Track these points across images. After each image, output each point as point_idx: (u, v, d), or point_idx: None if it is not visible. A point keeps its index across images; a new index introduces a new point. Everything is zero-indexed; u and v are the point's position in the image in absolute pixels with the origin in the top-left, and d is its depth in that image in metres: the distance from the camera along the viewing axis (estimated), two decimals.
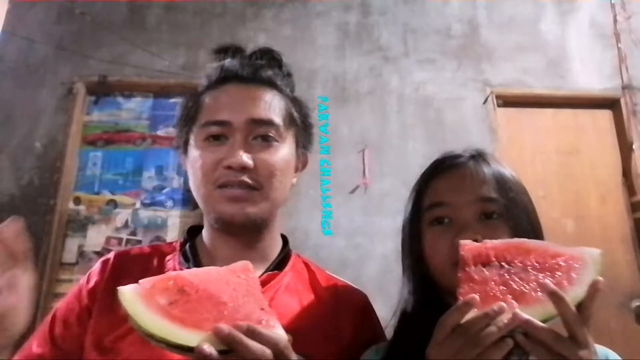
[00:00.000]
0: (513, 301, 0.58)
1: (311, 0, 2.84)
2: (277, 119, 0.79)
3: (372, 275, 2.31)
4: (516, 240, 0.66)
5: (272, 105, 0.80)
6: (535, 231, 0.77)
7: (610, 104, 2.79)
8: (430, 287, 0.78)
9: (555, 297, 0.56)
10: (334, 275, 0.90)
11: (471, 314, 0.57)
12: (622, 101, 2.74)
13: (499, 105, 2.69)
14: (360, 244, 2.40)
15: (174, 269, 0.78)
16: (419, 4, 2.87)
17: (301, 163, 0.88)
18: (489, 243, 0.66)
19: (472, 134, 2.63)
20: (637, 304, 2.42)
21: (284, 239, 0.91)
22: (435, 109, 2.68)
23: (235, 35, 2.75)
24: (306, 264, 0.89)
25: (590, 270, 0.60)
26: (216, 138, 0.77)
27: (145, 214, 2.45)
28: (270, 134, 0.78)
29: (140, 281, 0.56)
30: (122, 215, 2.45)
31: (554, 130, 2.73)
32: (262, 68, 0.85)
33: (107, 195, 2.47)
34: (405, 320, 0.80)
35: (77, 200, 2.46)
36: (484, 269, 0.63)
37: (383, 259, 2.32)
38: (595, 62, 2.83)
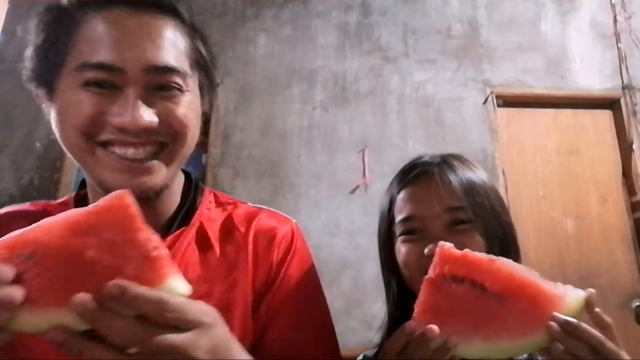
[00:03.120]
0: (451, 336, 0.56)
1: (311, 0, 2.84)
2: (183, 63, 0.61)
3: (373, 276, 2.31)
4: (503, 260, 0.61)
5: (175, 43, 0.61)
6: (506, 234, 0.78)
7: (610, 104, 2.79)
8: (410, 297, 0.79)
9: None
10: (259, 206, 0.76)
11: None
12: (622, 101, 2.74)
13: (499, 105, 2.69)
14: (361, 244, 2.40)
15: None
16: (419, 4, 2.87)
17: (204, 111, 0.69)
18: (471, 255, 0.61)
19: (472, 134, 2.63)
20: (637, 304, 2.42)
21: (188, 175, 0.74)
22: (436, 109, 2.68)
23: (236, 35, 2.75)
24: (222, 205, 0.74)
25: (565, 314, 0.55)
26: (99, 84, 0.57)
27: None
28: (174, 84, 0.60)
29: None
30: None
31: (554, 130, 2.73)
32: None
33: None
34: (392, 331, 0.81)
35: None
36: (454, 284, 0.60)
37: None
38: (595, 62, 2.83)
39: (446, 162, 0.82)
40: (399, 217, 0.79)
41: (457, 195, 0.76)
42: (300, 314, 0.69)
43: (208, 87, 0.69)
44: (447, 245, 0.63)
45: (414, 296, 0.78)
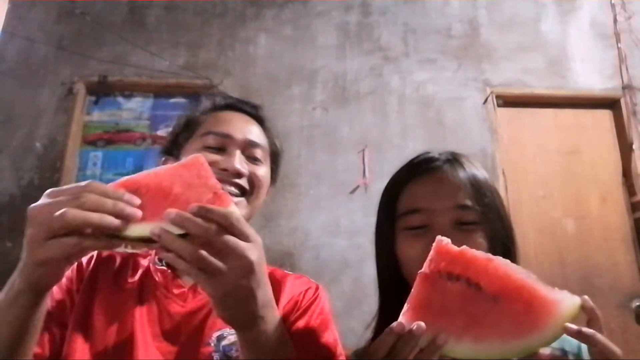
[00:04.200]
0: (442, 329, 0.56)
1: (311, 0, 2.84)
2: (265, 146, 0.94)
3: (373, 276, 2.30)
4: (501, 260, 0.60)
5: (262, 136, 0.95)
6: (509, 236, 0.78)
7: (610, 104, 2.79)
8: (406, 290, 0.78)
9: None
10: (291, 272, 0.95)
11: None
12: (622, 101, 2.74)
13: (499, 105, 2.70)
14: (361, 244, 2.40)
15: (148, 269, 0.86)
16: (419, 4, 2.87)
17: (268, 192, 0.98)
18: (469, 253, 0.61)
19: (472, 133, 2.63)
20: (637, 304, 2.42)
21: None
22: (436, 108, 2.68)
23: (236, 35, 2.75)
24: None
25: (560, 321, 0.55)
26: (213, 148, 0.87)
27: None
28: (258, 155, 0.91)
29: None
30: None
31: (555, 130, 2.73)
32: (257, 108, 1.00)
33: None
34: (382, 325, 0.80)
35: None
36: (449, 281, 0.59)
37: None
38: (595, 62, 2.83)
39: (456, 159, 0.81)
40: (404, 209, 0.78)
41: (467, 193, 0.75)
42: (310, 344, 0.81)
43: (274, 175, 0.99)
44: (444, 241, 0.62)
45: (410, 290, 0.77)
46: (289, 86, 2.66)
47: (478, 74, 2.76)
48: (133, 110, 2.64)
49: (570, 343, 0.73)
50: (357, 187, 2.51)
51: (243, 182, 0.86)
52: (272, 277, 0.85)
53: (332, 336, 0.84)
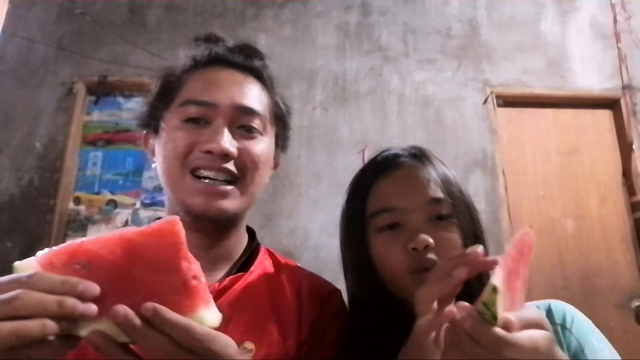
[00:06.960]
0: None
1: (311, 0, 2.84)
2: (264, 110, 0.75)
3: None
4: None
5: (260, 96, 0.75)
6: (476, 229, 0.76)
7: (610, 104, 2.79)
8: (381, 292, 0.75)
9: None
10: (303, 267, 0.88)
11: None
12: (622, 101, 2.74)
13: (499, 105, 2.70)
14: None
15: None
16: (419, 4, 2.87)
17: (276, 162, 0.84)
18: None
19: (472, 134, 2.63)
20: (637, 304, 2.42)
21: (252, 233, 0.85)
22: (436, 109, 2.68)
23: (236, 35, 2.75)
24: (275, 259, 0.84)
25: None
26: (195, 121, 0.70)
27: (145, 214, 2.45)
28: (255, 125, 0.73)
29: (37, 254, 0.44)
30: (122, 215, 2.45)
31: (554, 130, 2.73)
32: (252, 58, 0.79)
33: (107, 195, 2.47)
34: (360, 330, 0.77)
35: (77, 200, 2.46)
36: None
37: None
38: (595, 62, 2.83)
39: (423, 154, 0.80)
40: (374, 210, 0.75)
41: (437, 186, 0.73)
42: None
43: (282, 140, 0.82)
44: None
45: (384, 292, 0.74)
46: (288, 86, 2.66)
47: (478, 74, 2.76)
48: (133, 110, 2.64)
49: (557, 311, 0.72)
50: None
51: (231, 165, 0.69)
52: (284, 287, 0.78)
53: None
